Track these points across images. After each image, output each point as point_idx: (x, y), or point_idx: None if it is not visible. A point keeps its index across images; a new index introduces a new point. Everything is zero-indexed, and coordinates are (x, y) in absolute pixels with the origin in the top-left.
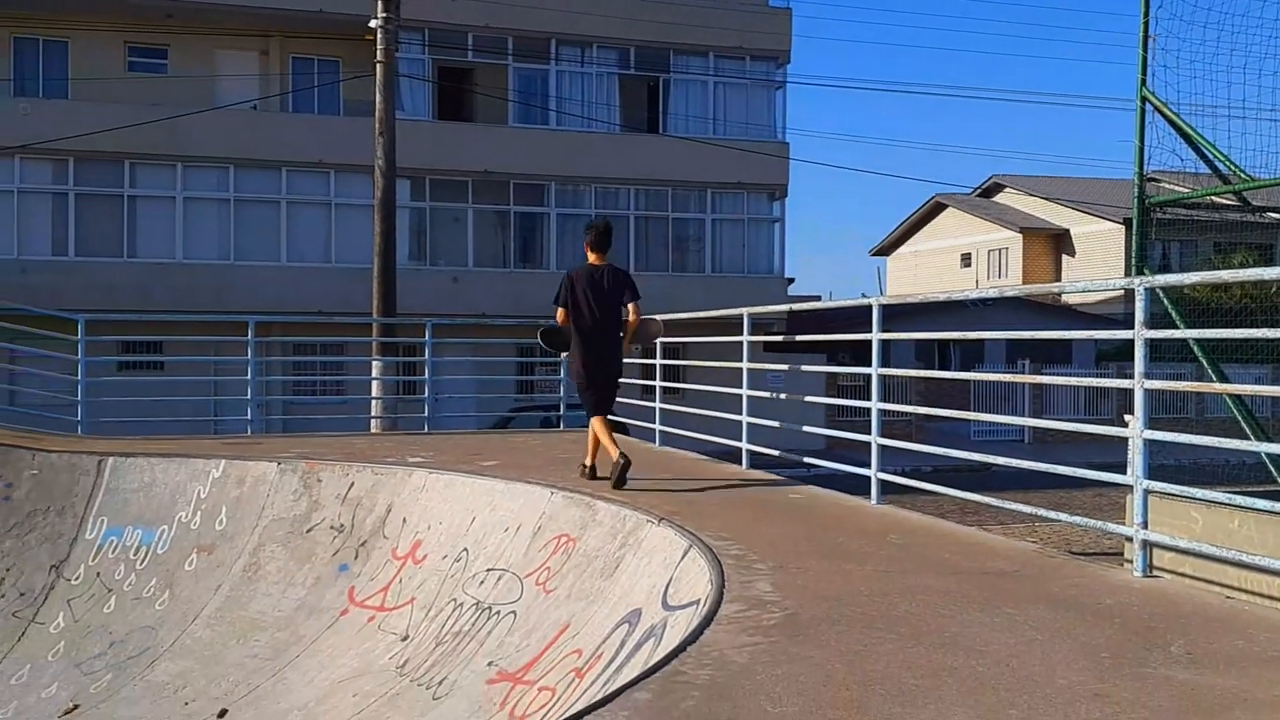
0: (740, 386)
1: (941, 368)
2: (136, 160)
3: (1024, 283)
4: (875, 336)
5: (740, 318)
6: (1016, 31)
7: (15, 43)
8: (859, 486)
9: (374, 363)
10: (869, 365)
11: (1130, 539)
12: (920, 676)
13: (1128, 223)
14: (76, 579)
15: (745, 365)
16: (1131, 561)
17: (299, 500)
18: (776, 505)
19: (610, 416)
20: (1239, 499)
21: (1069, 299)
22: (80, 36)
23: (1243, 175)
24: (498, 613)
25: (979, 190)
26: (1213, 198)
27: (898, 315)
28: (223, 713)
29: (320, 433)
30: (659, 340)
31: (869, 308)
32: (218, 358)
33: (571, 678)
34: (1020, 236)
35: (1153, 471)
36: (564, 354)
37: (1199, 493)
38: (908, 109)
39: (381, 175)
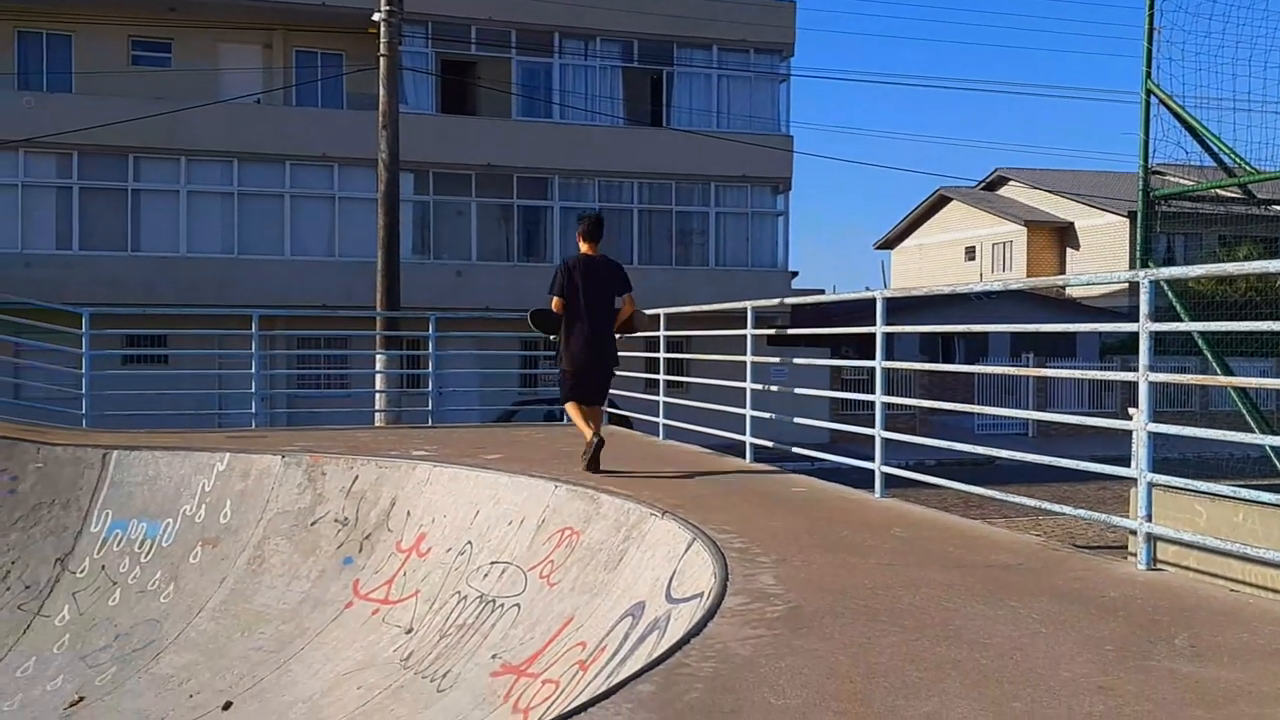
0: (744, 380)
1: (945, 361)
2: (140, 154)
3: (1028, 276)
4: (879, 330)
5: (744, 311)
6: (1021, 25)
7: (19, 36)
8: (863, 480)
9: (378, 356)
10: (873, 359)
11: (1134, 532)
12: (924, 669)
13: (1132, 216)
14: (81, 572)
15: (749, 359)
16: (1136, 555)
17: (303, 493)
18: (780, 498)
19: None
20: (1244, 492)
21: (1073, 293)
22: (84, 30)
23: (1248, 168)
24: (502, 605)
25: (983, 183)
26: (1217, 191)
27: (902, 309)
28: (227, 705)
29: (324, 426)
30: (661, 334)
31: (873, 301)
32: (222, 351)
33: (575, 670)
34: (1025, 230)
35: (1157, 465)
36: (554, 336)
37: (1203, 486)
38: (912, 102)
39: (385, 169)
